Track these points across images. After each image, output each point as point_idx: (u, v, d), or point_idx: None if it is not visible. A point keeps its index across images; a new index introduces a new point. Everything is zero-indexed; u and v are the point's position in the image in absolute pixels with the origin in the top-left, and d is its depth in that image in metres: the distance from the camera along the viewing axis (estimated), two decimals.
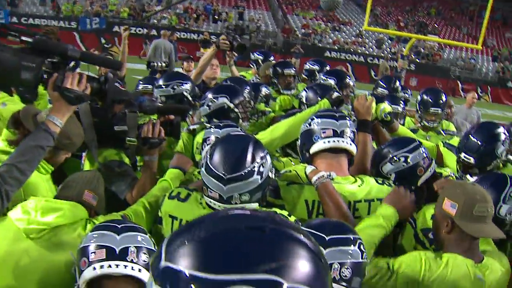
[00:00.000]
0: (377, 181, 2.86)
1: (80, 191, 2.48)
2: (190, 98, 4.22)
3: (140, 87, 5.23)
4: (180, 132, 3.41)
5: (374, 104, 3.47)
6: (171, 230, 2.50)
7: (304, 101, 4.24)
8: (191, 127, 3.90)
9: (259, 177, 2.36)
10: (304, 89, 4.38)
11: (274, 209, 2.47)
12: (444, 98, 5.42)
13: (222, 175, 2.30)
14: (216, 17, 33.18)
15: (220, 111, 3.88)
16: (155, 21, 30.38)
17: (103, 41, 26.87)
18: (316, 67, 6.64)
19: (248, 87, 4.59)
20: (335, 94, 3.67)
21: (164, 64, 8.51)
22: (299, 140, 3.01)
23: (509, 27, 45.39)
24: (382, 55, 30.99)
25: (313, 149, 2.84)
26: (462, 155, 3.72)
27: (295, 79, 5.98)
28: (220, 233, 0.93)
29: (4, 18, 27.06)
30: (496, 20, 44.62)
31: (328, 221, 2.23)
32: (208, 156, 2.41)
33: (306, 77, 6.53)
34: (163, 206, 2.61)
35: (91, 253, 1.97)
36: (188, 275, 0.85)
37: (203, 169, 2.41)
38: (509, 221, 2.79)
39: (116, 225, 2.08)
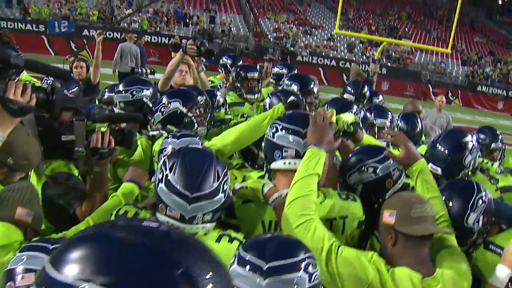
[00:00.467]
0: (340, 196, 2.64)
1: (11, 209, 2.28)
2: (151, 105, 4.07)
3: (106, 95, 4.97)
4: (132, 141, 3.21)
5: (334, 117, 3.31)
6: None
7: (268, 107, 4.10)
8: (151, 133, 3.77)
9: (223, 195, 2.27)
10: (268, 95, 4.25)
11: (229, 231, 2.31)
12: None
13: (187, 193, 2.17)
14: (187, 20, 32.92)
15: (173, 116, 3.78)
16: (125, 24, 29.99)
17: (72, 45, 26.43)
18: (284, 71, 6.54)
19: (204, 94, 4.36)
20: (291, 98, 3.52)
21: (149, 71, 8.24)
22: (263, 146, 2.83)
23: (477, 31, 46.23)
24: (354, 59, 31.15)
25: (273, 166, 2.66)
26: (430, 165, 3.59)
27: (259, 83, 5.77)
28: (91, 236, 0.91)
29: None
30: (465, 24, 45.47)
31: (272, 240, 1.89)
32: (169, 172, 2.23)
33: (274, 81, 6.40)
34: None
35: (18, 277, 1.77)
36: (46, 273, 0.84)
37: (162, 185, 2.23)
38: (477, 230, 2.71)
39: (48, 245, 1.88)
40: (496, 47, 43.48)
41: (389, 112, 5.04)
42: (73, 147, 2.89)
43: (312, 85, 4.58)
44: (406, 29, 42.39)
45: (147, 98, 4.09)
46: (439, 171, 3.60)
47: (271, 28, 36.04)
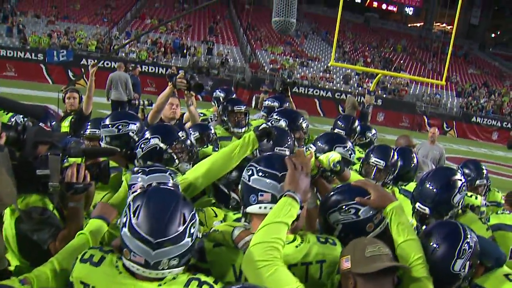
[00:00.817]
0: (319, 240, 2.55)
1: None
2: (137, 139, 4.01)
3: (88, 131, 4.81)
4: (108, 176, 3.10)
5: (313, 159, 3.24)
6: None
7: None
8: (135, 169, 3.73)
9: (189, 239, 2.17)
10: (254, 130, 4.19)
11: (199, 275, 2.22)
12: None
13: (150, 239, 2.09)
14: (185, 51, 33.17)
15: (153, 152, 3.76)
16: (123, 54, 30.21)
17: (70, 74, 26.58)
18: (276, 104, 6.47)
19: (185, 130, 4.30)
20: (262, 126, 3.40)
21: (147, 102, 8.17)
22: (240, 188, 2.73)
23: (471, 64, 46.72)
24: (350, 90, 31.34)
25: (249, 210, 2.57)
26: (417, 204, 3.59)
27: (246, 117, 5.66)
28: None
29: None
30: (459, 56, 46.01)
31: None
32: (132, 215, 2.16)
33: (265, 114, 6.34)
34: (74, 271, 2.27)
35: None
36: None
37: (125, 230, 2.16)
38: (463, 276, 2.65)
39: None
40: (489, 79, 43.91)
41: (391, 153, 4.75)
42: (47, 182, 2.79)
43: (300, 121, 4.54)
44: (401, 61, 42.82)
45: (133, 133, 4.07)
46: (427, 210, 3.53)
47: (268, 59, 36.34)
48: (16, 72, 26.77)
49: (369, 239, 2.44)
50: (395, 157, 4.69)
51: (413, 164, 4.97)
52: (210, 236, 2.59)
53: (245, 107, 5.69)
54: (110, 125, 4.09)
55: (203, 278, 2.17)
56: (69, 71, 26.83)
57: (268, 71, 33.19)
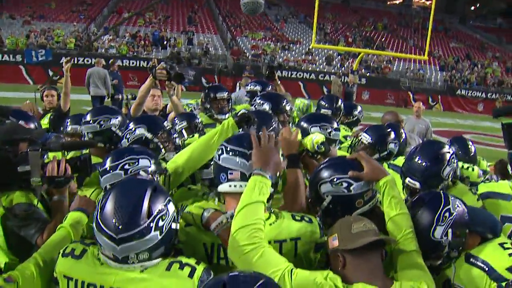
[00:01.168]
0: (294, 217, 2.52)
1: None
2: (120, 133, 3.99)
3: (69, 128, 4.81)
4: (89, 168, 3.13)
5: (300, 136, 3.24)
6: None
7: None
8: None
9: (157, 232, 2.12)
10: (232, 116, 4.11)
11: (180, 257, 2.19)
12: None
13: (112, 234, 2.06)
14: (165, 43, 32.93)
15: (139, 142, 3.72)
16: (103, 50, 29.93)
17: (50, 73, 26.27)
18: (258, 88, 6.43)
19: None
20: (241, 111, 3.40)
21: (130, 97, 8.09)
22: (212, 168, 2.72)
23: (452, 37, 46.88)
24: (333, 71, 31.34)
25: (220, 189, 2.55)
26: (407, 179, 3.58)
27: (229, 103, 5.66)
28: None
29: None
30: (439, 31, 46.08)
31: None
32: (99, 210, 2.14)
33: (248, 99, 6.30)
34: (57, 266, 2.26)
35: None
36: None
37: (93, 224, 2.15)
38: (446, 243, 2.64)
39: None
40: (472, 51, 44.20)
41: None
42: (29, 178, 2.86)
43: (284, 103, 4.50)
44: (383, 39, 42.83)
45: (115, 127, 4.03)
46: (417, 185, 3.53)
47: (249, 45, 36.18)
48: None
49: (355, 217, 2.44)
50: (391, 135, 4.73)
51: (402, 140, 4.93)
52: (182, 217, 2.57)
53: (227, 93, 5.67)
54: (91, 121, 4.04)
55: (184, 260, 2.17)
56: (49, 70, 26.48)
57: (250, 57, 33.10)
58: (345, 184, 2.65)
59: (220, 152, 2.59)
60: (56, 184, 2.91)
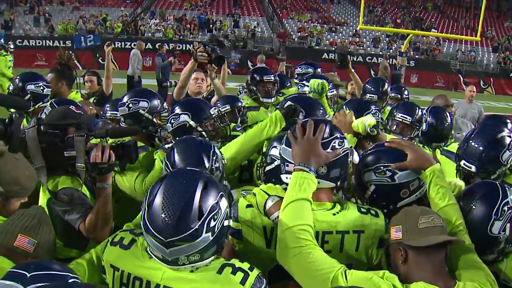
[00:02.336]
0: (359, 209, 2.41)
1: (11, 236, 2.17)
2: (150, 116, 3.93)
3: (108, 114, 4.86)
4: (134, 155, 3.10)
5: (354, 118, 3.15)
6: (112, 283, 2.11)
7: None
8: (166, 146, 3.67)
9: (209, 234, 1.95)
10: (285, 99, 3.92)
11: (233, 260, 2.06)
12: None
13: (161, 238, 1.92)
14: (211, 26, 32.97)
15: (182, 129, 3.67)
16: (150, 34, 30.24)
17: (99, 58, 26.78)
18: (310, 70, 6.34)
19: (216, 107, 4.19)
20: (287, 104, 3.33)
21: (174, 83, 8.14)
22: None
23: (506, 16, 45.12)
24: (381, 53, 30.73)
25: (282, 178, 2.51)
26: (462, 162, 3.34)
27: (275, 86, 5.55)
28: None
29: None
30: (492, 10, 44.40)
31: None
32: (147, 208, 1.99)
33: (297, 82, 6.20)
34: (104, 254, 2.17)
35: None
36: None
37: (141, 223, 2.01)
38: (503, 238, 2.44)
39: (26, 273, 1.72)
40: None
41: (417, 108, 4.70)
42: (75, 163, 2.86)
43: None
44: (433, 19, 41.66)
45: (144, 110, 3.93)
46: (473, 168, 3.29)
47: (295, 28, 35.83)
48: (46, 60, 27.02)
49: (422, 208, 2.26)
50: (420, 113, 4.62)
51: (446, 123, 4.70)
52: (247, 197, 2.48)
53: (273, 76, 5.57)
54: (123, 104, 3.99)
55: (237, 264, 2.03)
56: (97, 55, 27.01)
57: (296, 39, 32.80)
58: (389, 173, 2.55)
59: (282, 141, 2.54)
60: (99, 170, 2.87)
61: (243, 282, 1.97)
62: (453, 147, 3.97)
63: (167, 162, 2.89)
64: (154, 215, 1.95)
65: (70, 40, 27.66)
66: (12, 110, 4.08)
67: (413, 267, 2.12)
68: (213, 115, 3.78)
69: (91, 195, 3.10)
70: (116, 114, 4.59)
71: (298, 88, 4.36)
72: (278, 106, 3.35)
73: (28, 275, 1.71)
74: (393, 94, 6.29)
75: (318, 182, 2.34)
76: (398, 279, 2.05)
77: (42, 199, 3.02)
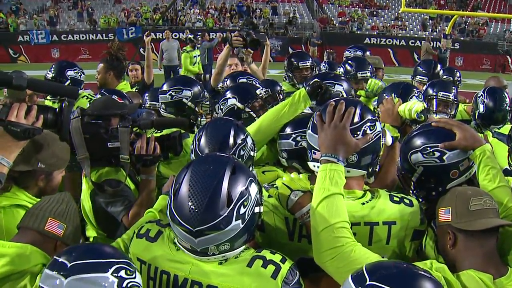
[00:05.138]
0: (392, 198, 2.25)
1: (42, 220, 2.19)
2: (193, 105, 3.94)
3: (147, 103, 4.87)
4: (179, 147, 3.08)
5: (401, 107, 3.05)
6: (140, 276, 1.95)
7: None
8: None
9: (239, 221, 1.87)
10: (313, 76, 3.93)
11: (264, 252, 1.96)
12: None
13: (188, 227, 1.84)
14: (251, 14, 32.93)
15: (231, 112, 3.62)
16: (190, 24, 30.46)
17: (141, 49, 27.16)
18: (359, 53, 6.29)
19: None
20: (314, 80, 3.19)
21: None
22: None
23: None
24: (424, 36, 30.03)
25: (309, 164, 2.41)
26: None
27: (313, 72, 5.48)
28: None
29: (45, 38, 27.81)
30: None
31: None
32: (173, 197, 1.91)
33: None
34: (131, 247, 2.09)
35: None
36: None
37: (168, 212, 1.94)
38: None
39: (67, 263, 1.69)
40: None
41: (453, 87, 4.61)
42: (119, 154, 2.83)
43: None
44: None
45: (187, 99, 3.94)
46: None
47: (336, 13, 35.36)
48: (90, 54, 27.56)
49: (473, 189, 2.17)
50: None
51: (504, 104, 4.52)
52: (270, 191, 2.35)
53: (310, 61, 5.51)
54: (164, 92, 4.00)
55: (268, 256, 1.93)
56: (138, 46, 27.37)
57: (337, 24, 32.42)
58: (437, 154, 2.43)
59: (308, 125, 2.41)
60: (144, 163, 2.87)
61: (274, 275, 1.87)
62: (506, 129, 3.80)
63: (194, 142, 2.72)
64: (180, 204, 1.87)
65: (113, 33, 28.08)
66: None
67: (463, 252, 2.02)
68: (260, 95, 3.73)
69: (135, 187, 3.10)
70: (156, 104, 4.59)
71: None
72: (305, 84, 3.23)
73: (69, 265, 1.69)
74: (445, 77, 6.05)
75: (348, 171, 2.22)
76: (447, 268, 1.94)
77: (85, 191, 3.03)
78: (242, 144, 2.61)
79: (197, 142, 2.48)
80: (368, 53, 6.51)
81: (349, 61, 5.16)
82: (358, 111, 2.26)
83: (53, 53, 27.97)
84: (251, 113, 3.63)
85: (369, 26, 33.39)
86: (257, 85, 4.09)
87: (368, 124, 2.27)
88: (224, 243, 1.87)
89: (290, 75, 5.49)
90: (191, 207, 1.84)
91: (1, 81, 2.23)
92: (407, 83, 4.51)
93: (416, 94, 3.84)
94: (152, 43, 7.22)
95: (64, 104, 2.42)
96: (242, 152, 2.59)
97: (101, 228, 3.08)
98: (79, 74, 5.56)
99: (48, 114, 2.31)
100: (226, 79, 4.67)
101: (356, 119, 2.25)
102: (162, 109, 4.07)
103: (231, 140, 2.58)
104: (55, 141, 2.65)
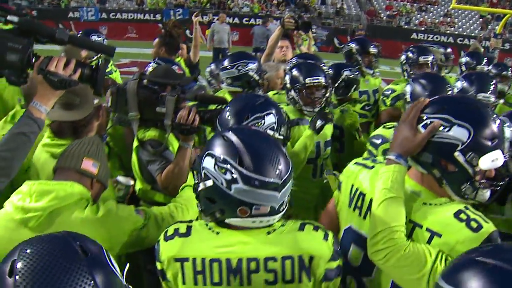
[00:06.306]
0: (458, 214, 1.96)
1: (78, 160, 2.33)
2: (258, 78, 4.19)
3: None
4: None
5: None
6: (182, 277, 1.94)
7: (409, 96, 3.55)
8: None
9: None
10: (409, 82, 3.65)
11: (314, 222, 2.04)
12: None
13: (277, 181, 1.87)
14: (298, 1, 32.76)
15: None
16: (237, 9, 30.54)
17: (187, 30, 27.34)
18: (441, 50, 6.27)
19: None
20: (318, 123, 3.67)
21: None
22: None
23: None
24: (473, 34, 29.39)
25: None
26: None
27: (376, 59, 5.63)
28: None
29: (95, 15, 28.32)
30: None
31: None
32: (241, 168, 1.86)
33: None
34: (161, 255, 1.98)
35: None
36: None
37: (238, 185, 1.86)
38: None
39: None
40: None
41: (491, 85, 4.26)
42: (163, 119, 3.11)
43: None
44: None
45: (253, 72, 4.20)
46: None
47: (384, 6, 34.90)
48: (137, 33, 27.97)
49: None
50: None
51: None
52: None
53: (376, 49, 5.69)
54: (229, 67, 4.24)
55: (315, 223, 2.01)
56: (185, 27, 27.53)
57: (384, 18, 32.02)
58: None
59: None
60: (181, 131, 3.08)
61: (326, 238, 1.94)
62: None
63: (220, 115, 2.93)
64: (260, 164, 1.87)
65: (160, 14, 28.41)
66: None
67: None
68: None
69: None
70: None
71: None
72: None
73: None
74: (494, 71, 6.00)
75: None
76: None
77: (134, 146, 3.33)
78: (257, 121, 2.74)
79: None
80: (449, 50, 6.49)
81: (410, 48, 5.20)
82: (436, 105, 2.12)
83: (101, 30, 28.41)
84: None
85: (417, 21, 32.86)
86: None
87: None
88: (285, 202, 1.96)
89: (359, 58, 5.54)
90: (271, 162, 1.89)
91: (45, 34, 2.33)
92: (484, 72, 4.45)
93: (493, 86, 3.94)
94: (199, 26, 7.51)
95: (100, 62, 2.60)
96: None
97: (145, 181, 3.34)
98: (103, 39, 6.09)
99: (85, 69, 2.42)
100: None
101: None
102: (226, 84, 4.31)
103: (245, 115, 2.75)
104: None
